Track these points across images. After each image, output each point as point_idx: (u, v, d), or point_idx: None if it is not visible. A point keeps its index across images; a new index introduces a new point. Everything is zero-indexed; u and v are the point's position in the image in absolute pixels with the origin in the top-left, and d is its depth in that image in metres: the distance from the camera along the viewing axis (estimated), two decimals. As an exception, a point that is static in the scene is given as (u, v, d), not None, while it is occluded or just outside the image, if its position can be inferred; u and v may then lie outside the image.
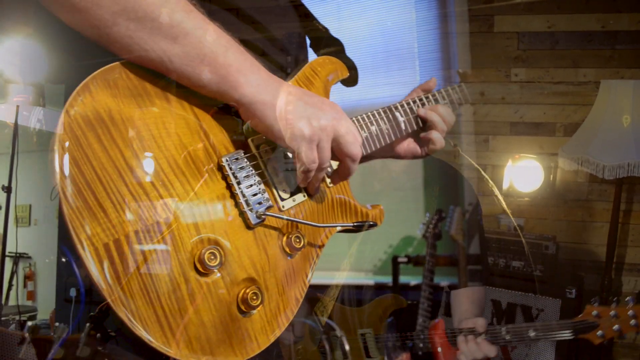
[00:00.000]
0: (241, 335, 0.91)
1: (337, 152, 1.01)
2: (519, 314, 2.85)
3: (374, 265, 2.43)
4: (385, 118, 1.24)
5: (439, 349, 2.03)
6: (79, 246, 0.77)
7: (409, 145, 1.37)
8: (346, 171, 1.05)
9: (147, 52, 0.86)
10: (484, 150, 3.59)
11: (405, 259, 2.31)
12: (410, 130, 1.30)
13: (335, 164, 1.08)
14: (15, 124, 3.33)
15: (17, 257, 4.28)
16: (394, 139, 1.26)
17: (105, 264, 0.78)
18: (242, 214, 0.94)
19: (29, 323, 3.97)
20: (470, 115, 3.56)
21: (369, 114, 1.22)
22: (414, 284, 2.24)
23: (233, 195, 0.94)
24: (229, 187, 0.94)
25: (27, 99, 3.32)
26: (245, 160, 0.97)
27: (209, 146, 0.94)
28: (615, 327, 1.85)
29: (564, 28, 3.37)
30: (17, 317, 3.75)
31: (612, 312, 1.87)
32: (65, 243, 0.78)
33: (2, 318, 3.53)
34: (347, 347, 2.01)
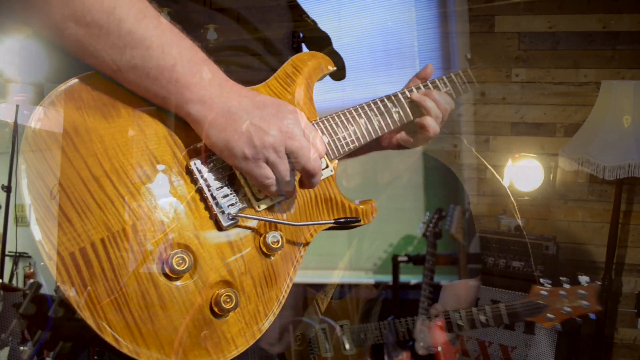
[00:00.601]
0: (217, 338, 0.90)
1: (295, 165, 0.97)
2: (519, 314, 2.85)
3: (374, 264, 2.43)
4: (375, 110, 1.20)
5: (439, 349, 2.03)
6: (44, 256, 0.78)
7: (400, 134, 1.32)
8: (306, 184, 1.01)
9: (97, 59, 0.86)
10: (485, 150, 3.59)
11: (405, 258, 2.31)
12: (405, 121, 1.25)
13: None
14: (15, 123, 3.33)
15: (17, 257, 4.28)
16: (386, 130, 1.21)
17: (72, 273, 0.79)
18: (213, 216, 0.93)
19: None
20: (471, 116, 3.56)
21: (358, 107, 1.18)
22: (414, 282, 2.24)
23: (203, 199, 0.93)
24: (199, 190, 0.93)
25: (27, 98, 3.33)
26: (216, 162, 0.96)
27: (178, 151, 0.93)
28: (566, 309, 1.69)
29: (564, 28, 3.37)
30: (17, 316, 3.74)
31: (561, 292, 1.71)
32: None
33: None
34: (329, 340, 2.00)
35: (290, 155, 0.94)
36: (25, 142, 0.80)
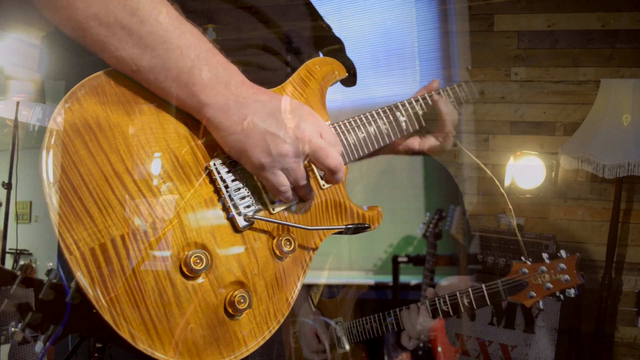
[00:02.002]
0: (229, 338, 0.91)
1: (316, 166, 0.99)
2: (519, 314, 2.85)
3: (374, 265, 2.43)
4: (384, 118, 1.23)
5: (439, 349, 2.03)
6: (65, 250, 0.78)
7: (412, 141, 1.36)
8: (331, 180, 1.02)
9: (118, 59, 0.86)
10: (484, 149, 3.59)
11: (405, 259, 2.31)
12: (411, 130, 1.29)
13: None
14: (15, 120, 3.33)
15: (18, 254, 4.28)
16: (393, 139, 1.25)
17: (91, 268, 0.79)
18: (230, 217, 0.94)
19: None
20: (470, 115, 3.56)
21: (368, 114, 1.21)
22: (414, 283, 2.24)
23: (221, 199, 0.94)
24: (217, 191, 0.94)
25: (27, 97, 3.32)
26: (235, 164, 0.97)
27: (197, 150, 0.94)
28: (547, 285, 1.64)
29: (564, 27, 3.37)
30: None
31: (541, 268, 1.66)
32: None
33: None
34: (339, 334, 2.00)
35: (308, 157, 0.95)
36: (49, 136, 0.80)
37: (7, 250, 3.64)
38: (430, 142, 1.36)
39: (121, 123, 0.87)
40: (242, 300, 0.91)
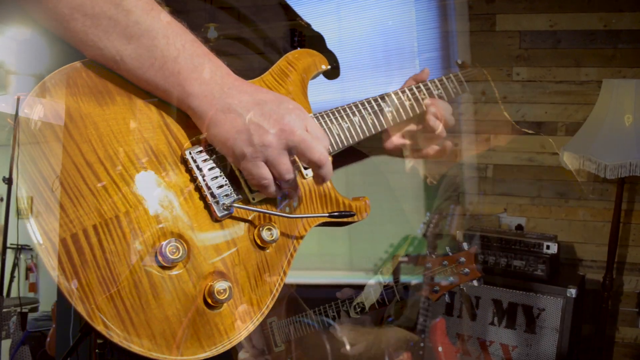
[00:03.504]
0: (210, 329, 0.89)
1: (301, 159, 0.96)
2: (520, 314, 2.85)
3: (374, 265, 2.43)
4: (369, 109, 1.21)
5: (440, 349, 2.03)
6: (35, 242, 0.77)
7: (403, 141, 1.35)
8: (318, 175, 0.99)
9: (101, 50, 0.86)
10: (486, 149, 3.59)
11: (406, 259, 2.31)
12: (398, 121, 1.26)
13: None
14: (16, 114, 3.33)
15: (19, 249, 4.28)
16: (379, 129, 1.22)
17: (63, 259, 0.78)
18: (207, 206, 0.93)
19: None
20: (472, 115, 3.55)
21: (352, 105, 1.19)
22: (415, 283, 2.24)
23: (198, 189, 0.93)
24: (194, 179, 0.93)
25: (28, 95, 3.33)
26: (211, 152, 0.95)
27: (172, 140, 0.93)
28: (450, 278, 1.66)
29: (566, 27, 3.37)
30: (18, 309, 3.75)
31: (443, 262, 1.68)
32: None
33: (4, 310, 3.54)
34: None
35: (292, 151, 0.93)
36: (20, 129, 0.82)
37: (8, 245, 3.64)
38: (431, 147, 1.34)
39: (92, 113, 0.86)
40: (222, 291, 0.88)
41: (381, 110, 1.22)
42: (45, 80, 0.85)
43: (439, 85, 1.34)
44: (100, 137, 0.85)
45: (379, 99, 1.24)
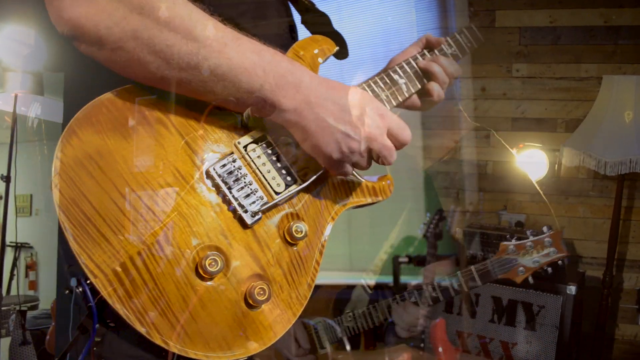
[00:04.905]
0: (255, 327, 0.97)
1: (377, 162, 1.06)
2: (520, 311, 2.85)
3: (374, 265, 2.43)
4: (382, 84, 1.22)
5: (440, 349, 2.04)
6: (90, 275, 0.85)
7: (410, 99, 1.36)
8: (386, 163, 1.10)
9: (189, 92, 0.93)
10: (485, 146, 3.59)
11: (406, 259, 2.31)
12: (413, 91, 1.28)
13: None
14: (14, 112, 3.33)
15: (19, 247, 4.29)
16: (394, 104, 1.24)
17: (117, 287, 0.86)
18: (237, 216, 0.99)
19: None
20: (472, 111, 3.55)
21: (364, 83, 1.20)
22: (415, 283, 2.24)
23: (226, 201, 0.98)
24: (221, 193, 0.98)
25: (26, 92, 3.32)
26: (233, 164, 1.00)
27: (196, 158, 0.98)
28: (535, 259, 1.73)
29: (566, 23, 3.36)
30: (17, 307, 3.77)
31: (528, 244, 1.74)
32: (77, 274, 0.88)
33: (3, 308, 3.55)
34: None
35: (372, 153, 1.04)
36: (55, 173, 0.86)
37: (7, 243, 3.65)
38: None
39: (119, 147, 0.91)
40: (261, 292, 0.96)
41: (395, 83, 1.25)
42: (71, 124, 0.89)
43: (452, 43, 1.36)
44: (130, 169, 0.91)
45: (390, 72, 1.25)
